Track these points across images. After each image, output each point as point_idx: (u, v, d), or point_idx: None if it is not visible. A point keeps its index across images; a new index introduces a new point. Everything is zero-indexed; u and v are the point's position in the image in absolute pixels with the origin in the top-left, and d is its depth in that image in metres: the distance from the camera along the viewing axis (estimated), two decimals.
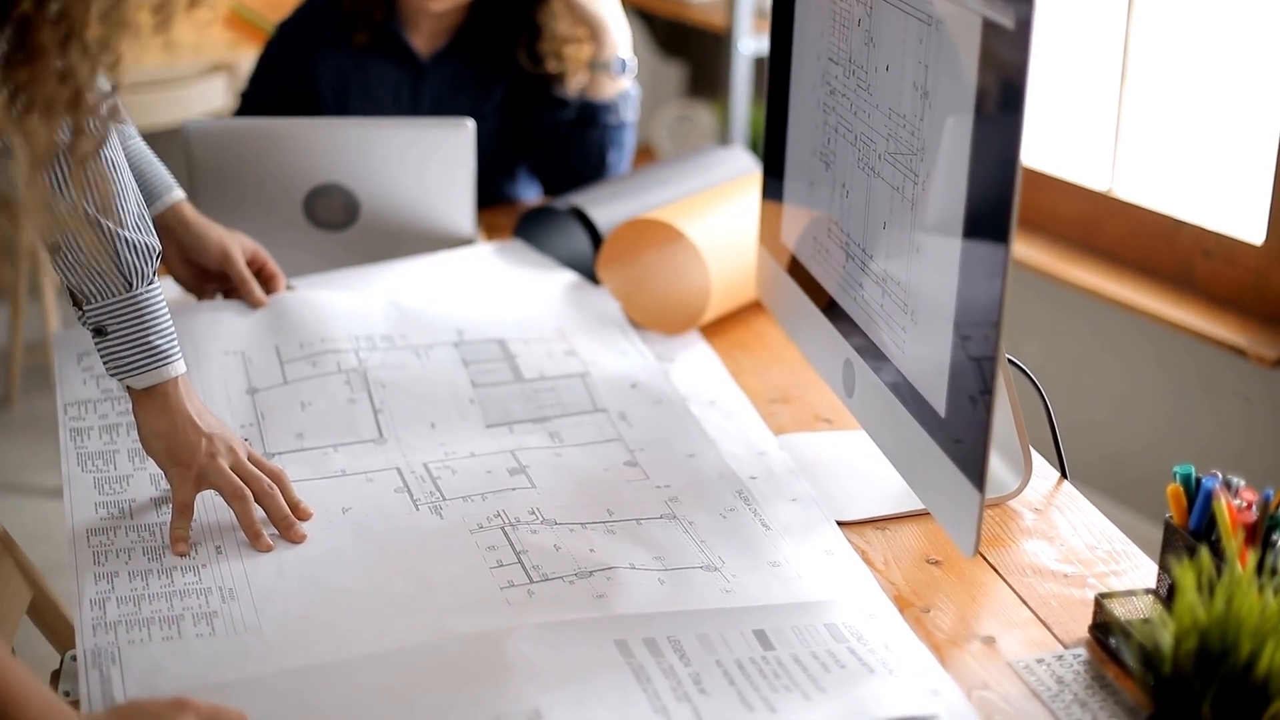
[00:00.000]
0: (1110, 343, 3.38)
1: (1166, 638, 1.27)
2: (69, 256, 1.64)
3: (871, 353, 1.69)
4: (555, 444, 1.85)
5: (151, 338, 1.65)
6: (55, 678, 1.70)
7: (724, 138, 4.10)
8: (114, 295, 1.65)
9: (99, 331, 1.66)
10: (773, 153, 1.98)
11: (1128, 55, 3.33)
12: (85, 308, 1.66)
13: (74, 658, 1.68)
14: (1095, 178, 3.44)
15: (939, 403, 1.52)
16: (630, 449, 1.85)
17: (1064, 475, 1.80)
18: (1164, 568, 1.50)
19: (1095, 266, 3.34)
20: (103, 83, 1.68)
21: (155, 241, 1.68)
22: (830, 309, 1.81)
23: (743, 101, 4.00)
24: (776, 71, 1.95)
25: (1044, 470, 1.81)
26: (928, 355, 1.55)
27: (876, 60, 1.63)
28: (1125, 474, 3.35)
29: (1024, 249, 3.39)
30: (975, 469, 1.45)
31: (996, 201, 1.39)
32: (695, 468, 1.81)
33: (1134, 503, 3.32)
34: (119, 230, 1.64)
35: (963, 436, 1.47)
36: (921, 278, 1.55)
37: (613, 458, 1.83)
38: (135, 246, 1.65)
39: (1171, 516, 1.47)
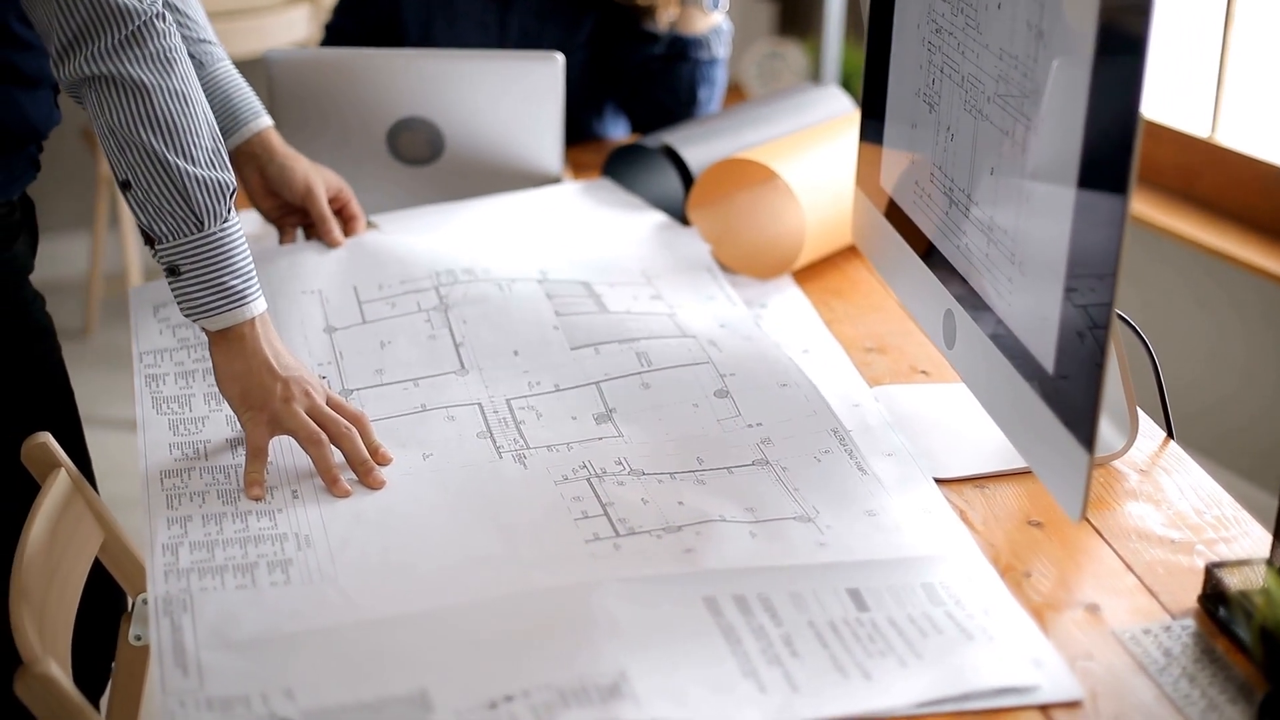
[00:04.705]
0: (1209, 296, 3.29)
1: None
2: (138, 194, 1.58)
3: (974, 303, 1.62)
4: (643, 367, 1.79)
5: (226, 278, 1.60)
6: (125, 620, 1.67)
7: (816, 76, 4.02)
8: (185, 235, 1.59)
9: (172, 271, 1.60)
10: (872, 93, 1.91)
11: None
12: (157, 247, 1.60)
13: (145, 601, 1.65)
14: (1196, 124, 3.34)
15: (1047, 358, 1.45)
16: (721, 373, 1.79)
17: (1170, 435, 1.73)
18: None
19: (1194, 217, 3.24)
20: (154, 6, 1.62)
21: (230, 178, 1.61)
22: (930, 257, 1.74)
23: (835, 39, 3.91)
24: (878, 8, 1.88)
25: (1148, 429, 1.73)
26: (1035, 308, 1.47)
27: None
28: (1222, 433, 3.26)
29: None
30: (1084, 429, 1.38)
31: (1115, 149, 1.31)
32: (788, 400, 1.75)
33: (1234, 464, 3.23)
34: (188, 168, 1.57)
35: (1072, 394, 1.40)
36: (1031, 227, 1.48)
37: (703, 386, 1.77)
38: (207, 184, 1.58)
39: None
